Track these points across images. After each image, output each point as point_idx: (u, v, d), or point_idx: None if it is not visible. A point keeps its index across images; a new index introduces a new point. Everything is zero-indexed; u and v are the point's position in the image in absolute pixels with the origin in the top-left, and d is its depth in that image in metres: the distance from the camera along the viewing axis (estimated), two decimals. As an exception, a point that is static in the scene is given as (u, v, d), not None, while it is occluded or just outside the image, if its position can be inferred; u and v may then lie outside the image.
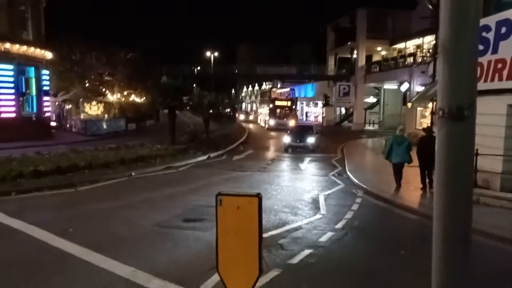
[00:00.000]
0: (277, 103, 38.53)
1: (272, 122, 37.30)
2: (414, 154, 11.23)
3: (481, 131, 8.44)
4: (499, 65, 9.82)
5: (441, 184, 1.76)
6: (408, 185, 11.59)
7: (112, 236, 7.03)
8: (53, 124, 29.37)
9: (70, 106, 33.24)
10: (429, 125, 13.96)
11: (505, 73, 9.69)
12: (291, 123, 33.82)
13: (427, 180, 10.81)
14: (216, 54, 51.85)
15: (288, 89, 45.25)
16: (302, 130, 23.19)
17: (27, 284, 5.06)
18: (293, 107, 39.18)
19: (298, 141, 20.95)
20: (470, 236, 1.79)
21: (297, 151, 20.41)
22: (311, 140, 21.10)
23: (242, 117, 57.56)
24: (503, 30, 9.71)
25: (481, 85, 9.44)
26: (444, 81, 1.68)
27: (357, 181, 12.55)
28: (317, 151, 20.80)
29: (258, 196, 3.85)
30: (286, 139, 21.50)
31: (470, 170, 1.81)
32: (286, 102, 39.20)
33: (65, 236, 6.81)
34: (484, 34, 9.83)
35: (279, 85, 53.98)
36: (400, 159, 11.02)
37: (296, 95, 45.28)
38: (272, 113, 38.05)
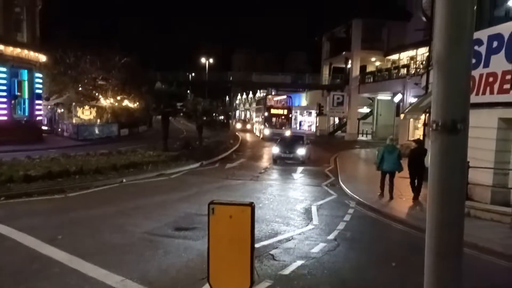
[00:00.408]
0: (273, 111, 36.34)
1: (267, 131, 35.02)
2: (405, 164, 11.40)
3: (472, 144, 8.52)
4: (491, 79, 9.96)
5: (434, 196, 1.77)
6: (401, 196, 11.66)
7: (101, 243, 6.93)
8: (44, 128, 29.12)
9: (62, 110, 33.01)
10: (421, 137, 14.27)
11: (496, 86, 9.83)
12: (288, 133, 30.95)
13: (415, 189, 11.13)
14: (211, 60, 52.01)
15: (284, 97, 43.05)
16: (292, 140, 21.69)
17: (14, 291, 4.96)
18: (290, 115, 37.23)
19: (287, 152, 19.84)
20: (462, 249, 1.79)
21: (287, 163, 19.38)
22: (301, 151, 19.93)
23: (239, 126, 53.62)
24: (495, 44, 9.87)
25: (473, 98, 9.50)
26: (438, 94, 1.69)
27: (350, 192, 12.56)
28: (308, 163, 19.91)
29: (251, 205, 3.83)
30: (275, 150, 20.28)
31: (463, 183, 1.82)
32: (282, 110, 36.95)
33: (54, 243, 6.70)
34: (476, 47, 9.97)
35: (273, 92, 53.08)
36: (391, 168, 11.34)
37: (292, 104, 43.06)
38: (267, 122, 35.69)
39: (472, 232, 7.35)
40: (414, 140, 12.68)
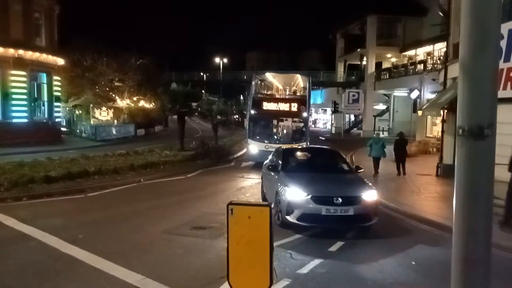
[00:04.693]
0: (267, 106, 17.98)
1: (254, 150, 17.21)
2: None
3: (494, 140, 8.34)
4: (512, 74, 9.73)
5: (460, 203, 1.74)
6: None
7: (121, 243, 7.06)
8: (63, 129, 29.74)
9: (80, 111, 33.65)
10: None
11: (517, 81, 9.60)
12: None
13: (401, 169, 15.05)
14: (225, 60, 52.24)
15: (296, 76, 22.27)
16: (330, 167, 9.71)
17: (38, 290, 5.09)
18: (304, 115, 17.74)
19: (336, 199, 7.52)
20: (490, 257, 1.76)
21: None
22: (370, 195, 7.94)
23: None
24: (516, 38, 9.63)
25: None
26: (463, 99, 1.67)
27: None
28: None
29: (269, 206, 3.85)
30: (295, 194, 7.77)
31: (491, 189, 1.78)
32: (288, 104, 17.93)
33: (75, 242, 6.85)
34: (496, 42, 9.75)
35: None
36: (377, 154, 15.21)
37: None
38: (254, 128, 17.92)
39: (494, 231, 7.21)
40: (397, 134, 16.06)
